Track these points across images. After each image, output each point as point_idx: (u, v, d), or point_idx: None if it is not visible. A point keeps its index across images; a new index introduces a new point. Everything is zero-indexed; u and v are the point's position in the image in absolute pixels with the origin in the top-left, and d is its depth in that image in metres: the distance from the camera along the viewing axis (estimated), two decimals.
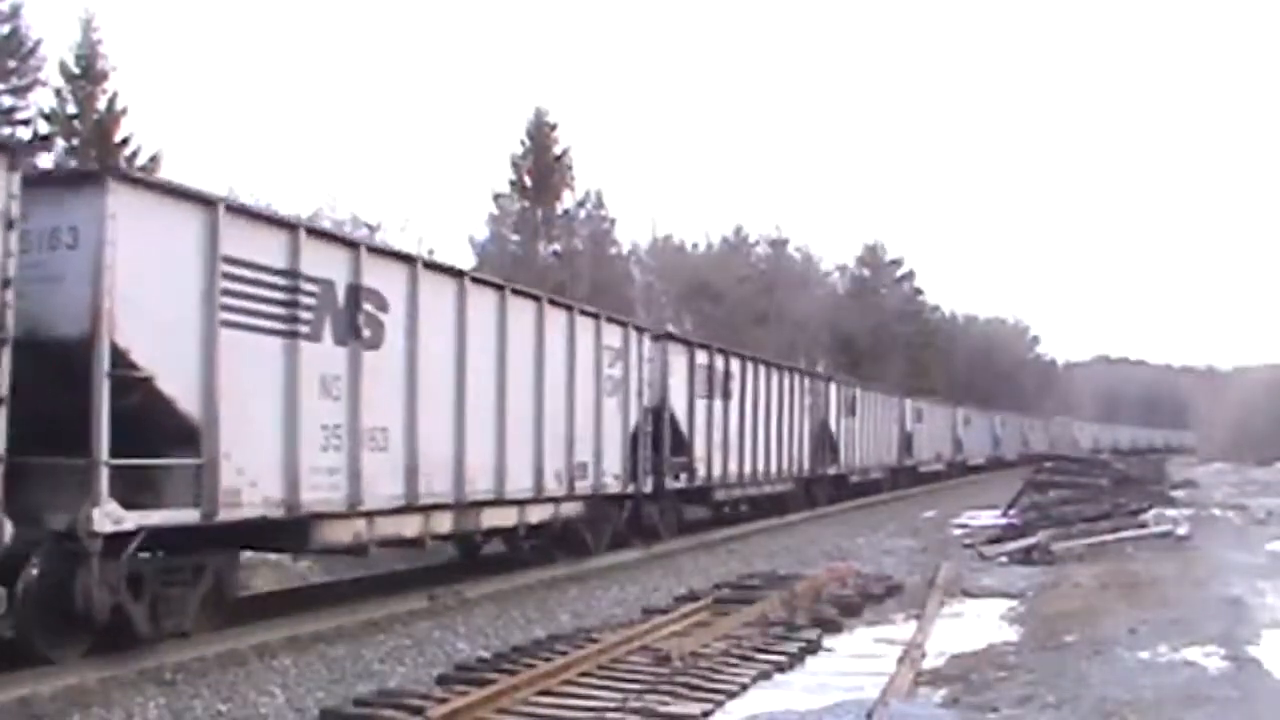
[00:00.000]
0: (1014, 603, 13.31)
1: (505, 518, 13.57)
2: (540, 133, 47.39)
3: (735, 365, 22.31)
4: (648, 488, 17.53)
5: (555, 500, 14.57)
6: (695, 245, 60.44)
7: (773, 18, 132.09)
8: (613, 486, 16.24)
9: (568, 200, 48.14)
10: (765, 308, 55.49)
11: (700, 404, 20.28)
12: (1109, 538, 19.30)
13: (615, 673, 8.76)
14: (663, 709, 7.74)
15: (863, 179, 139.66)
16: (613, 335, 16.33)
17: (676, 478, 19.17)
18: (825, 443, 28.69)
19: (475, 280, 12.98)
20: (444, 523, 12.24)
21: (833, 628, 11.16)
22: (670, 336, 20.31)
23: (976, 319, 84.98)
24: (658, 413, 18.35)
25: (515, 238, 47.31)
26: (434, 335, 11.76)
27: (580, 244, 47.96)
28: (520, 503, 13.70)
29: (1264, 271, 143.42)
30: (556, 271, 43.40)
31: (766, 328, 52.22)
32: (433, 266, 12.29)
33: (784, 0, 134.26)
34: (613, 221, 51.07)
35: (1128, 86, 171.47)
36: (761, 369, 23.98)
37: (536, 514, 14.22)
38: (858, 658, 9.93)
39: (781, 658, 9.50)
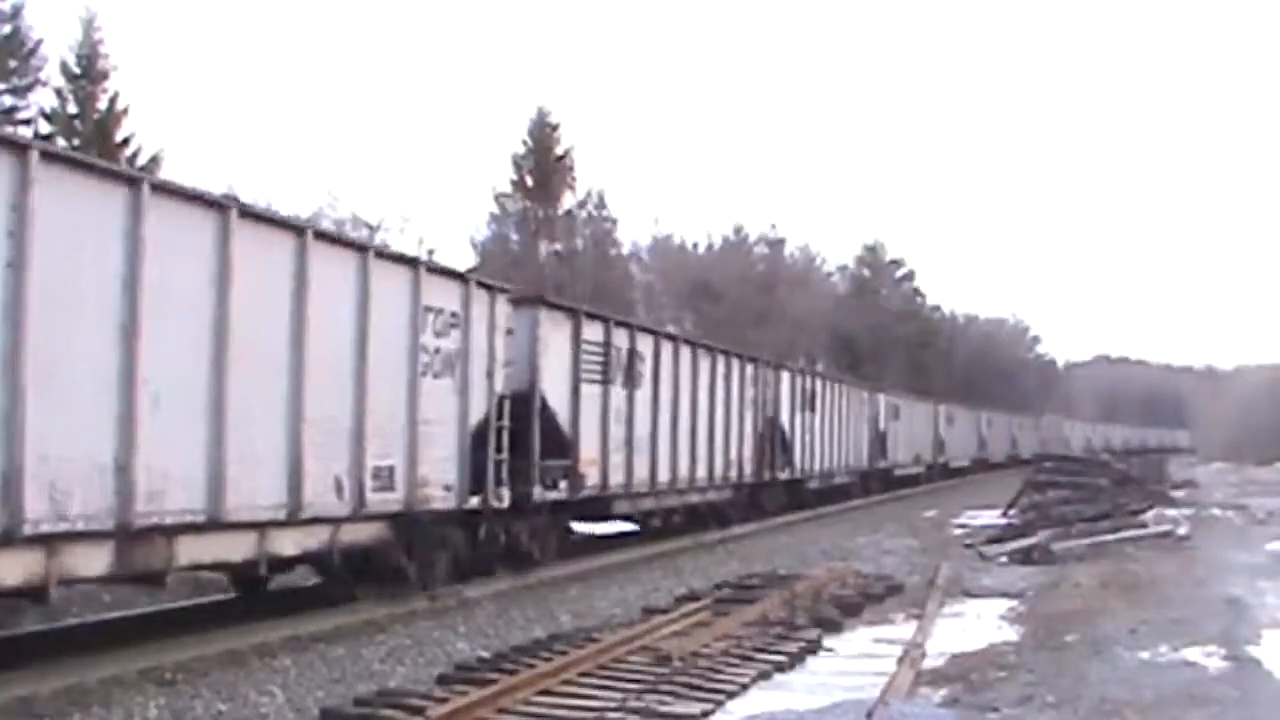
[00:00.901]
0: (1014, 603, 13.31)
1: (231, 548, 9.58)
2: (542, 132, 47.46)
3: (646, 344, 17.75)
4: (503, 501, 13.36)
5: (330, 521, 10.57)
6: (695, 245, 60.55)
7: (772, 17, 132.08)
8: (440, 499, 12.16)
9: (569, 200, 48.29)
10: (765, 308, 55.52)
11: (590, 391, 15.80)
12: (1109, 538, 19.30)
13: (615, 673, 8.76)
14: (663, 709, 7.74)
15: (862, 178, 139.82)
16: (442, 293, 12.24)
17: (554, 486, 14.81)
18: (776, 442, 24.52)
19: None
20: (91, 561, 8.25)
21: (833, 628, 11.16)
22: (543, 301, 15.29)
23: (976, 319, 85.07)
24: (524, 401, 14.18)
25: (516, 237, 47.38)
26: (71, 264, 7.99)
27: (581, 244, 48.02)
28: (259, 525, 9.70)
29: (1264, 271, 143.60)
30: (557, 271, 43.44)
31: (766, 328, 52.23)
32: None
33: (784, 0, 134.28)
34: (614, 221, 51.18)
35: (1128, 86, 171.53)
36: (685, 350, 19.56)
37: (291, 541, 10.19)
38: (858, 658, 9.93)
39: (782, 658, 9.50)
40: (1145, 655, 9.68)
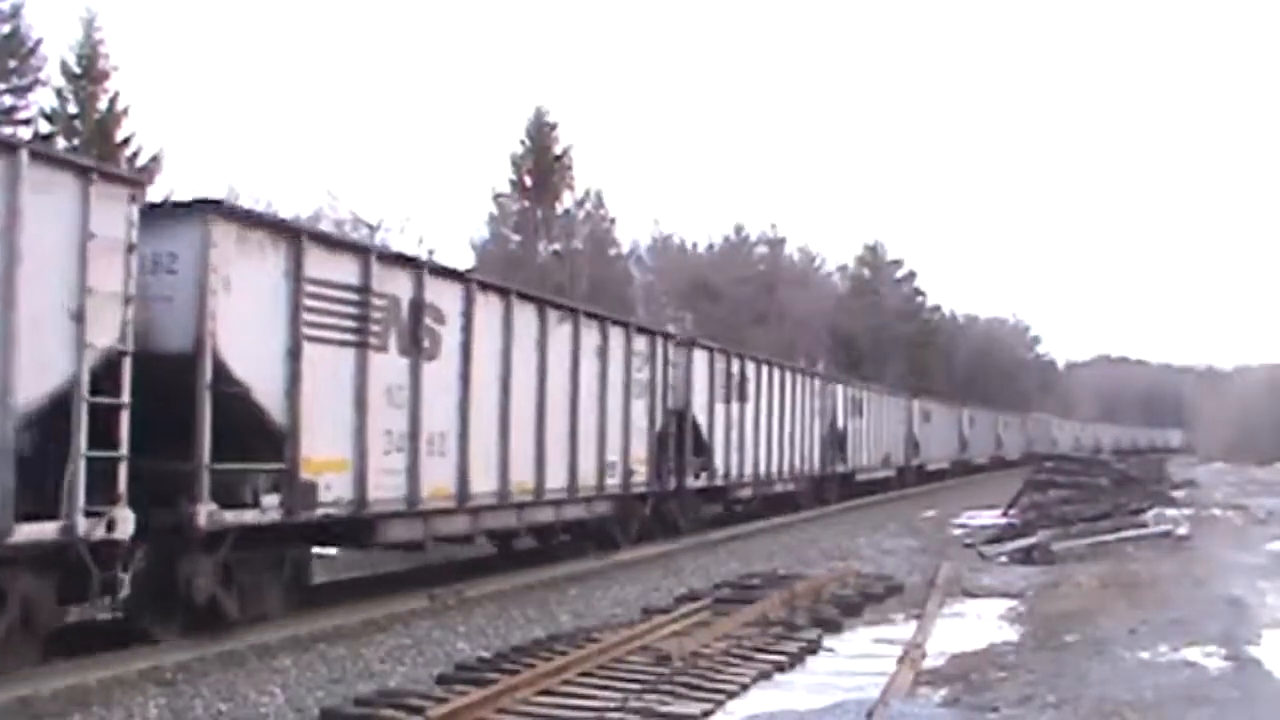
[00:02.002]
0: (1014, 602, 13.31)
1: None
2: (540, 132, 47.41)
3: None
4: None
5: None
6: (695, 245, 60.52)
7: (772, 17, 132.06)
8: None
9: (568, 200, 48.18)
10: (765, 308, 55.50)
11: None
12: (1109, 537, 19.30)
13: (615, 672, 8.76)
14: (663, 709, 7.73)
15: (862, 178, 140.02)
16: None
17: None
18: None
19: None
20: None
21: (833, 628, 11.16)
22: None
23: (977, 319, 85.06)
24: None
25: (515, 237, 47.33)
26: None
27: (580, 244, 47.96)
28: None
29: (1264, 271, 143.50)
30: (556, 271, 43.42)
31: (766, 328, 52.21)
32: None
33: (784, 0, 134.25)
34: (613, 221, 51.13)
35: (1128, 86, 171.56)
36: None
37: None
38: (858, 657, 9.93)
39: (782, 658, 9.50)
40: (1145, 655, 9.68)
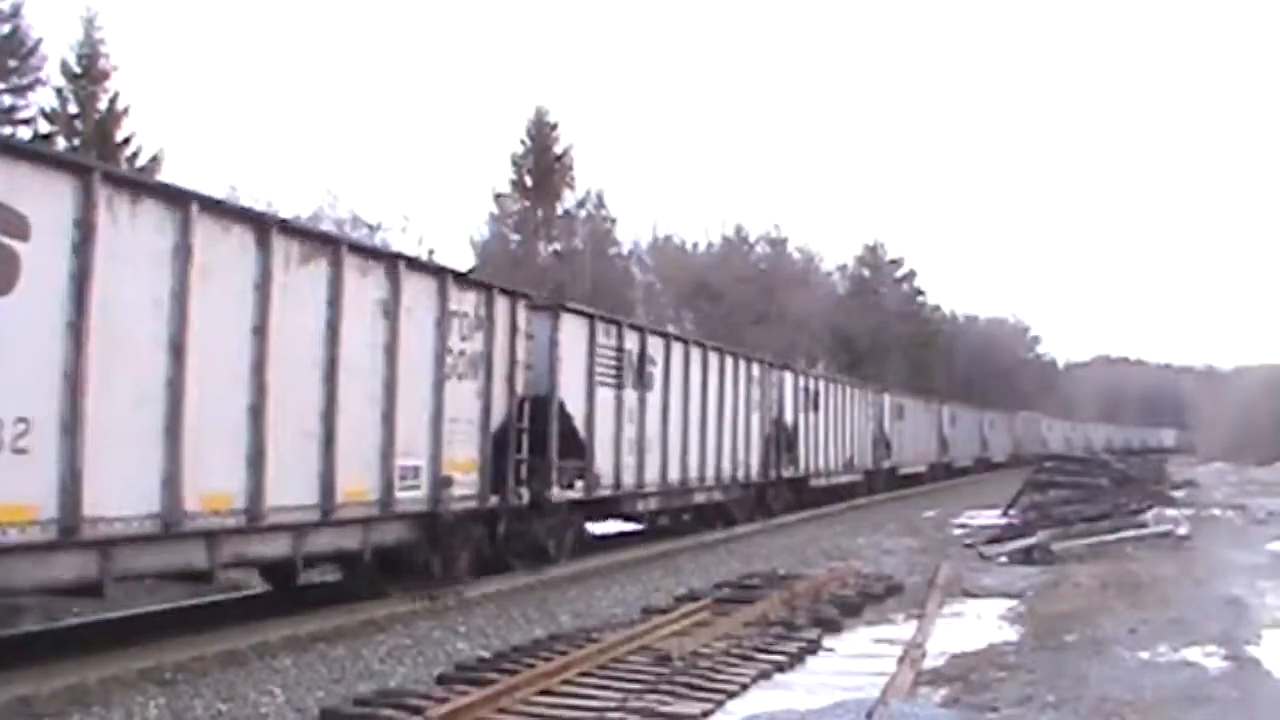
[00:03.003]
0: (1014, 602, 13.31)
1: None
2: (541, 132, 47.47)
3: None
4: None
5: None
6: (695, 245, 60.54)
7: (772, 17, 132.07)
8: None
9: (568, 200, 48.29)
10: (765, 308, 55.50)
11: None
12: (1109, 538, 19.30)
13: (615, 672, 8.76)
14: (663, 709, 7.73)
15: (863, 178, 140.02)
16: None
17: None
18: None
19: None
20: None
21: (833, 627, 11.15)
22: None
23: (976, 319, 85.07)
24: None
25: (516, 237, 47.40)
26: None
27: (580, 244, 48.00)
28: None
29: (1264, 271, 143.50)
30: (557, 271, 43.44)
31: (766, 328, 52.21)
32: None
33: (784, 0, 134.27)
34: (613, 221, 51.16)
35: (1128, 86, 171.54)
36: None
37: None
38: (858, 657, 9.93)
39: (782, 657, 9.50)
40: (1145, 655, 9.68)
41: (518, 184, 47.47)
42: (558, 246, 47.21)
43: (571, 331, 15.40)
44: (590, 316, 16.17)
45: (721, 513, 21.59)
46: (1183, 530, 20.45)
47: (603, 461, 16.12)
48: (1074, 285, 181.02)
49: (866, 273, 69.51)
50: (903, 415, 37.49)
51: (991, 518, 25.58)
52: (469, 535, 12.93)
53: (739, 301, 54.22)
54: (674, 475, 18.51)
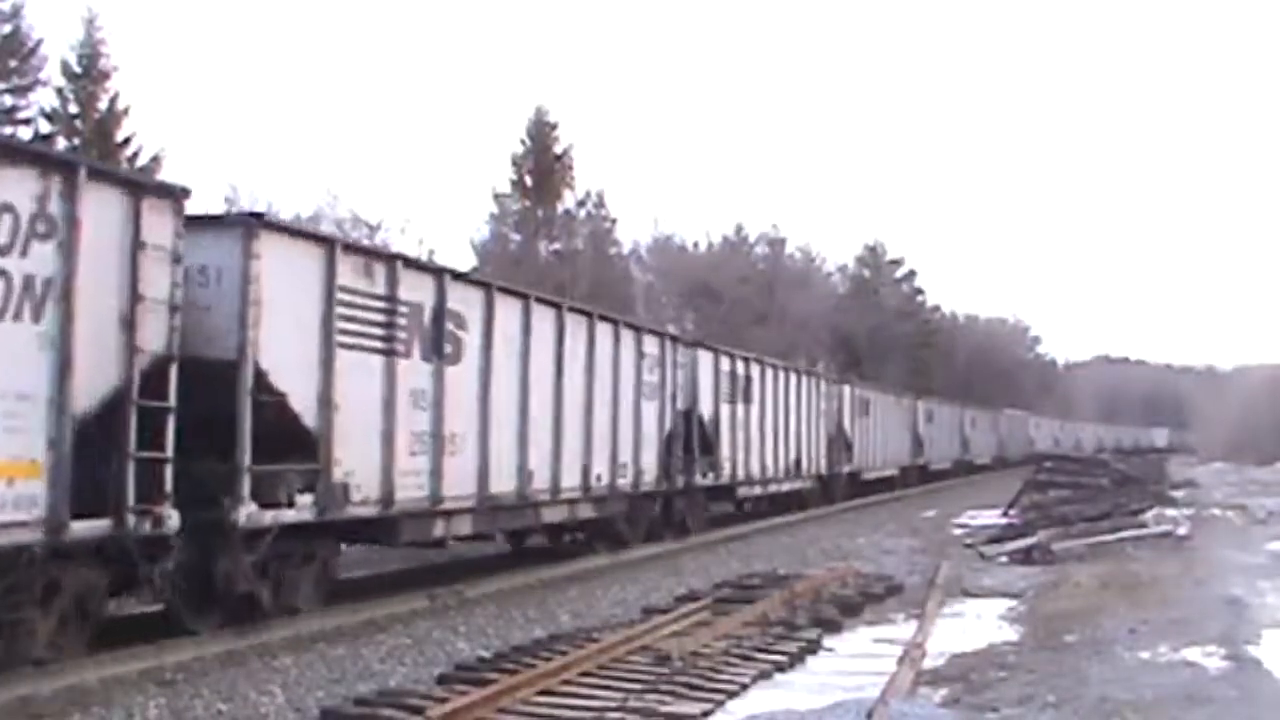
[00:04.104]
0: (1014, 602, 13.31)
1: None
2: (541, 132, 47.42)
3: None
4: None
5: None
6: (695, 245, 60.52)
7: (772, 17, 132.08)
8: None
9: (568, 200, 48.20)
10: (765, 308, 55.48)
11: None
12: (1109, 537, 19.31)
13: (615, 672, 8.76)
14: (663, 709, 7.73)
15: (863, 178, 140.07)
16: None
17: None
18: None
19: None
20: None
21: (833, 627, 11.16)
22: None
23: (977, 319, 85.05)
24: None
25: (516, 237, 47.35)
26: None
27: (580, 243, 47.96)
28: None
29: (1264, 271, 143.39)
30: (557, 271, 43.40)
31: (766, 327, 52.19)
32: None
33: (784, 0, 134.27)
34: (613, 221, 51.12)
35: (1128, 86, 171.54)
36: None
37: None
38: (858, 657, 9.93)
39: (782, 657, 9.50)
40: (1145, 655, 9.68)
41: (518, 184, 47.43)
42: (558, 246, 47.17)
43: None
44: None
45: (601, 532, 17.10)
46: (1183, 530, 20.45)
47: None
48: (1074, 285, 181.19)
49: (866, 273, 69.50)
50: (868, 411, 32.91)
51: (991, 518, 25.59)
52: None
53: (739, 301, 54.19)
54: (504, 485, 13.62)
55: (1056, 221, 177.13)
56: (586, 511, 16.16)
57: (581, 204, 48.93)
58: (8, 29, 30.66)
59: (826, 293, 64.14)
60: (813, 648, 10.08)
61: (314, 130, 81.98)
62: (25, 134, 28.98)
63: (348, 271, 10.88)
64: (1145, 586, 13.88)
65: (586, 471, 15.69)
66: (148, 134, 41.59)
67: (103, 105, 32.18)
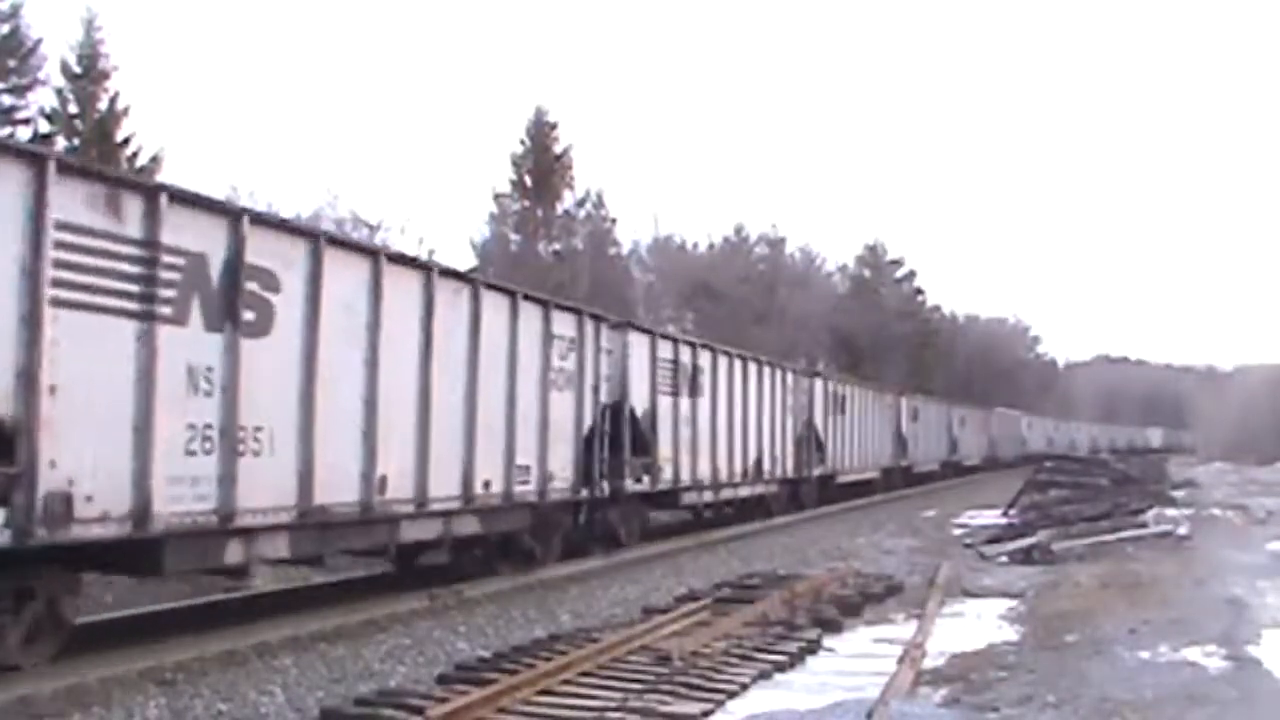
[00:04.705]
0: (1014, 602, 13.31)
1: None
2: (540, 132, 47.43)
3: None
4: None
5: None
6: (695, 245, 60.55)
7: (773, 17, 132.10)
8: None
9: (568, 200, 48.22)
10: (765, 307, 55.50)
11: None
12: (1109, 537, 19.32)
13: (615, 672, 8.76)
14: (663, 709, 7.73)
15: (863, 178, 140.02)
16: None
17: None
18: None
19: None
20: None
21: (833, 627, 11.15)
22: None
23: (977, 319, 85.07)
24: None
25: (516, 237, 47.35)
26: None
27: (580, 244, 47.98)
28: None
29: (1264, 271, 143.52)
30: (557, 271, 43.41)
31: (767, 327, 52.20)
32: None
33: (784, 0, 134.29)
34: (613, 221, 51.14)
35: (1128, 86, 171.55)
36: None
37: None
38: (858, 657, 9.93)
39: (782, 657, 9.49)
40: (1145, 655, 9.68)
41: (518, 184, 47.44)
42: (558, 246, 47.17)
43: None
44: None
45: (506, 549, 14.27)
46: (1183, 530, 20.46)
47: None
48: (1074, 285, 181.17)
49: (866, 273, 69.54)
50: (844, 408, 29.87)
51: (991, 518, 25.59)
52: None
53: (739, 301, 54.20)
54: (340, 494, 10.79)
55: (1056, 221, 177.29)
56: (469, 526, 12.97)
57: (581, 204, 48.98)
58: (7, 29, 30.62)
59: (826, 293, 64.15)
60: (813, 648, 10.08)
61: (314, 130, 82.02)
62: (25, 134, 28.97)
63: (75, 203, 8.05)
64: (1145, 586, 13.89)
65: (468, 477, 12.63)
66: (148, 134, 41.59)
67: (102, 105, 32.15)
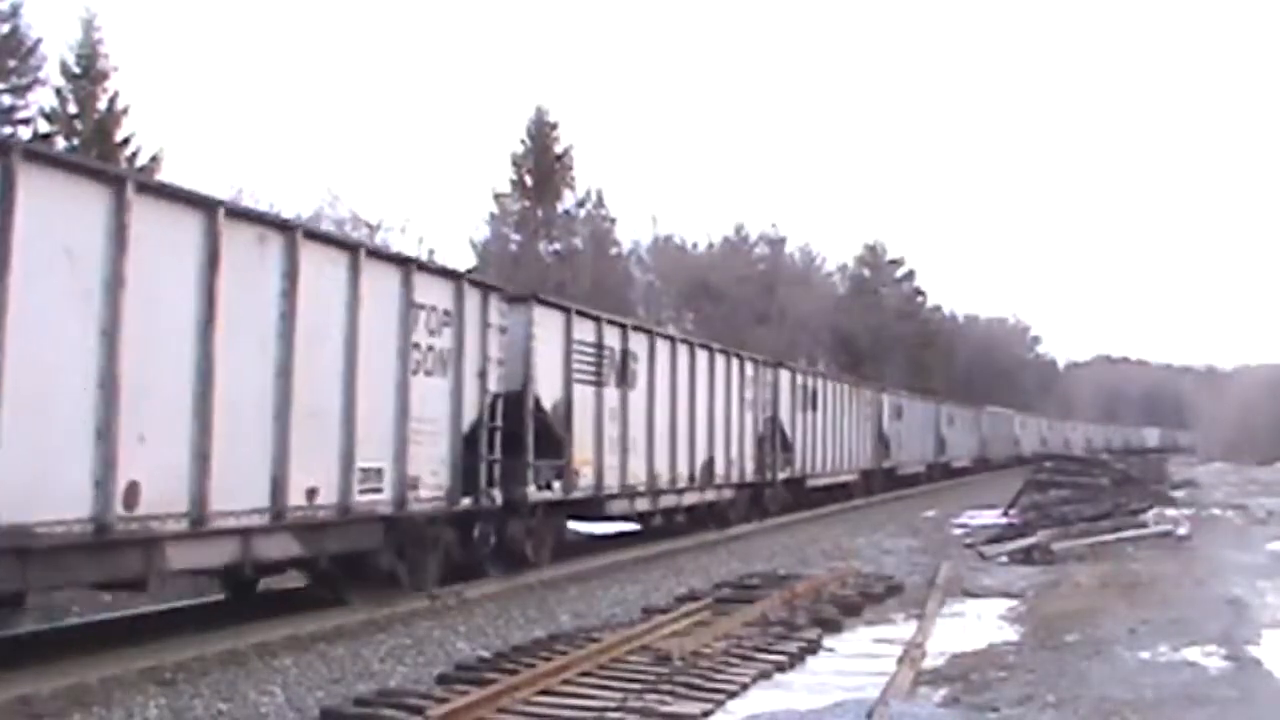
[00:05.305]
0: (1014, 602, 13.30)
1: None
2: (541, 132, 47.50)
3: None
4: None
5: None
6: (695, 245, 60.60)
7: (772, 17, 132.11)
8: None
9: (568, 199, 48.32)
10: (765, 307, 55.56)
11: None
12: (1109, 537, 19.31)
13: (615, 672, 8.75)
14: (663, 709, 7.72)
15: (863, 178, 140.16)
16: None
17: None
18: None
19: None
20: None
21: (833, 627, 11.15)
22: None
23: (977, 319, 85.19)
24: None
25: (516, 237, 47.41)
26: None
27: (581, 243, 48.03)
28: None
29: (1264, 271, 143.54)
30: (557, 271, 43.45)
31: (767, 327, 52.23)
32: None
33: (784, 0, 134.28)
34: (613, 221, 51.19)
35: (1128, 86, 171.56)
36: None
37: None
38: (858, 657, 9.92)
39: (782, 657, 9.49)
40: (1145, 655, 9.68)
41: (518, 184, 47.50)
42: (558, 246, 47.22)
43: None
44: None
45: (357, 571, 11.33)
46: (1183, 530, 20.45)
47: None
48: (1074, 285, 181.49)
49: (866, 273, 69.59)
50: (815, 405, 26.94)
51: (991, 518, 25.59)
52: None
53: (739, 301, 54.23)
54: (55, 507, 8.03)
55: (1056, 221, 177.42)
56: (282, 548, 10.00)
57: (581, 204, 49.05)
58: (7, 29, 30.67)
59: (826, 293, 64.21)
60: (813, 648, 10.07)
61: (314, 130, 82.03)
62: (25, 134, 28.98)
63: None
64: (1145, 586, 13.88)
65: (280, 484, 9.67)
66: (147, 134, 41.68)
67: (102, 105, 32.18)
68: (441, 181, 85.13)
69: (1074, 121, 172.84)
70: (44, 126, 31.09)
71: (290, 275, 9.88)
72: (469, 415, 12.62)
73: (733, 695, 8.29)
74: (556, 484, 14.76)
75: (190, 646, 9.05)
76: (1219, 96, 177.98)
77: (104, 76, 32.30)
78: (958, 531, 23.22)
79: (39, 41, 31.34)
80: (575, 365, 15.29)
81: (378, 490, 11.04)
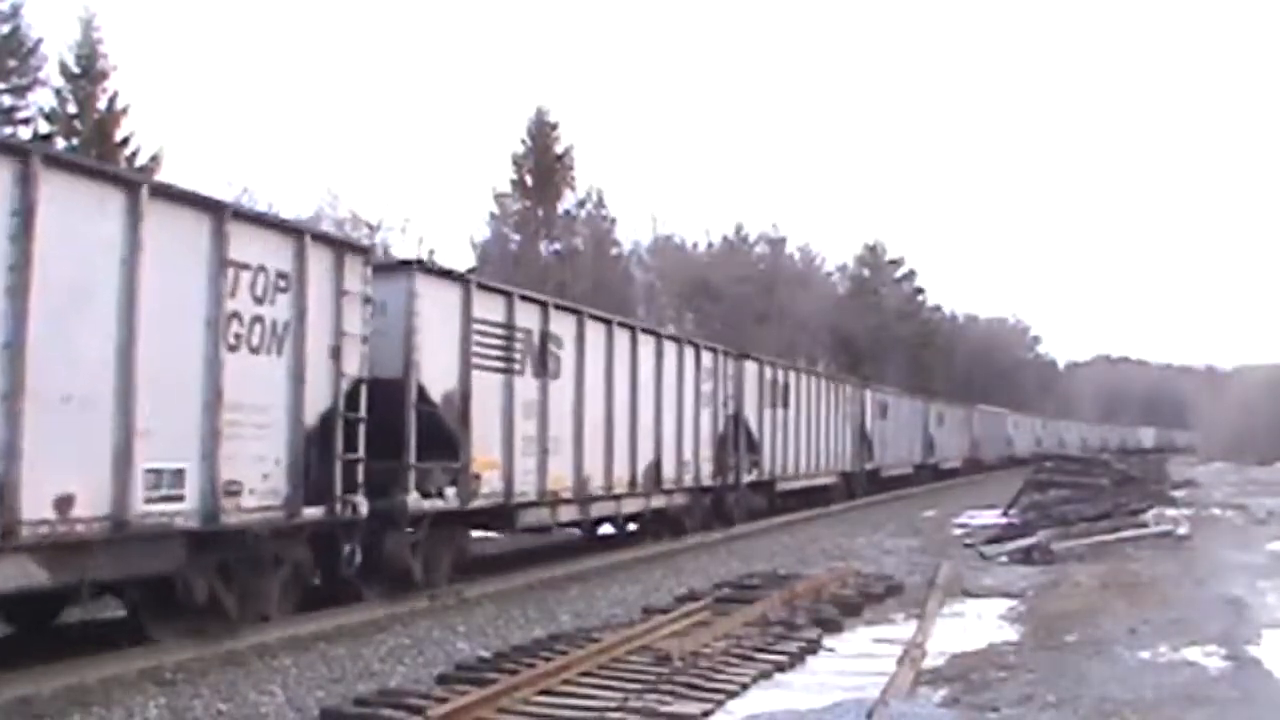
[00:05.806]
0: (1014, 602, 13.30)
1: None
2: (541, 132, 47.51)
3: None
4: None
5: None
6: (695, 245, 60.62)
7: (772, 17, 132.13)
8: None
9: (569, 199, 48.34)
10: (765, 307, 55.56)
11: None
12: (1109, 537, 19.30)
13: (615, 672, 8.75)
14: (663, 709, 7.72)
15: (862, 178, 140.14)
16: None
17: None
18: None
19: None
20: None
21: (833, 627, 11.14)
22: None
23: (977, 319, 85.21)
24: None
25: (516, 237, 47.42)
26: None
27: (581, 243, 48.04)
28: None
29: (1264, 271, 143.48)
30: (557, 271, 43.45)
31: (767, 327, 52.24)
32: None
33: (784, 0, 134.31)
34: (613, 221, 51.21)
35: (1128, 86, 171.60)
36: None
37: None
38: (858, 657, 9.92)
39: (782, 657, 9.49)
40: (1145, 655, 9.68)
41: (518, 184, 47.51)
42: (558, 246, 47.23)
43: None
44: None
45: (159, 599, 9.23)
46: (1183, 530, 20.44)
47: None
48: (1074, 285, 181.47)
49: (866, 273, 69.62)
50: (788, 400, 25.04)
51: (991, 518, 25.59)
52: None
53: (739, 301, 54.24)
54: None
55: (1056, 221, 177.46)
56: (9, 575, 7.51)
57: (581, 204, 49.07)
58: (7, 29, 30.70)
59: (826, 293, 64.21)
60: (813, 648, 10.07)
61: (314, 130, 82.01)
62: (25, 134, 28.98)
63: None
64: (1145, 586, 13.88)
65: (6, 492, 7.34)
66: (147, 134, 41.71)
67: (102, 105, 32.20)
68: (442, 181, 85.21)
69: (1073, 122, 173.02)
70: (44, 126, 31.12)
71: (25, 213, 7.49)
72: (317, 405, 10.22)
73: (733, 695, 8.29)
74: (450, 491, 12.46)
75: (190, 647, 9.05)
76: (1219, 97, 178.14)
77: (103, 76, 32.33)
78: (957, 531, 23.22)
79: (39, 41, 31.40)
80: (477, 349, 12.96)
81: (176, 498, 8.66)
